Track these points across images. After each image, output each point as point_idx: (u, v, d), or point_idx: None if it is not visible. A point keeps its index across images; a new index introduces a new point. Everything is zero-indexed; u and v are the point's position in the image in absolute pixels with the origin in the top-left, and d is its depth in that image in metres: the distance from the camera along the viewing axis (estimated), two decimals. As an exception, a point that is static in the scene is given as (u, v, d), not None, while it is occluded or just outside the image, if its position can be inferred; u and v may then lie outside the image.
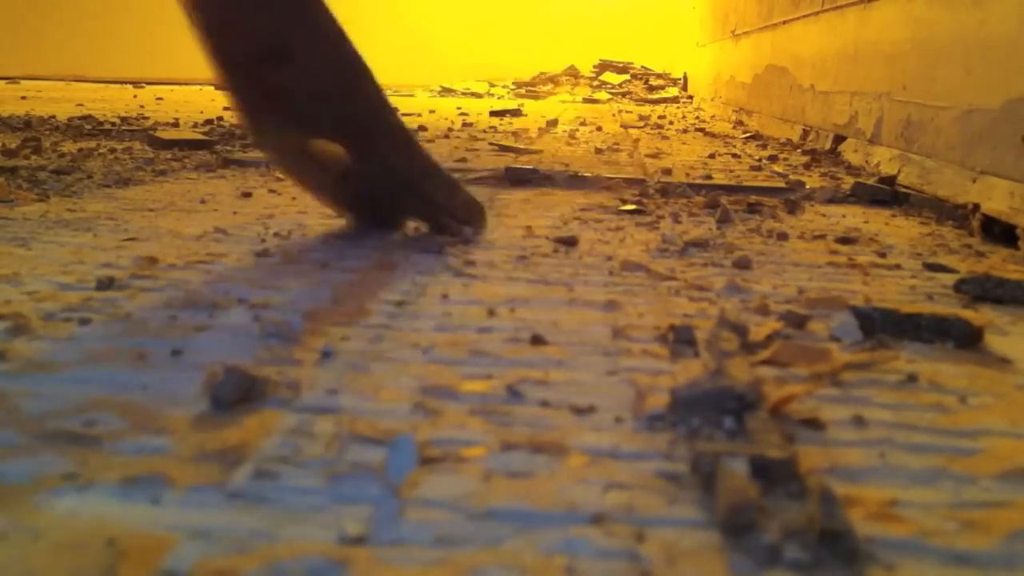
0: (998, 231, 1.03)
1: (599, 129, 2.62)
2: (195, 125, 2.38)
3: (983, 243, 1.02)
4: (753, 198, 1.28)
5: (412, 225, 0.98)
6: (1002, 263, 0.91)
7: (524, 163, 1.61)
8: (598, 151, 1.92)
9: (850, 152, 1.75)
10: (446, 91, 5.19)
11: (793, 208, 1.22)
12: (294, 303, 0.70)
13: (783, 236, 1.01)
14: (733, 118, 3.08)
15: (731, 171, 1.63)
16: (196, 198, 1.20)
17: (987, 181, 1.10)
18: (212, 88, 5.08)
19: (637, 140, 2.28)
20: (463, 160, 1.69)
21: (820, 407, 0.51)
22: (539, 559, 0.36)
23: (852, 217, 1.18)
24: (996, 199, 1.06)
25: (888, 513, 0.40)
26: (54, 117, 2.50)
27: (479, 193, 1.31)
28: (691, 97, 4.66)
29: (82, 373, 0.54)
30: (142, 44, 5.82)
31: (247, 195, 1.24)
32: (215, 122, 2.47)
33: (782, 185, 1.43)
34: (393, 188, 0.93)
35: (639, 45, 5.78)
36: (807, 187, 1.41)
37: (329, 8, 0.89)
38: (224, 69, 0.89)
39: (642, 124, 2.83)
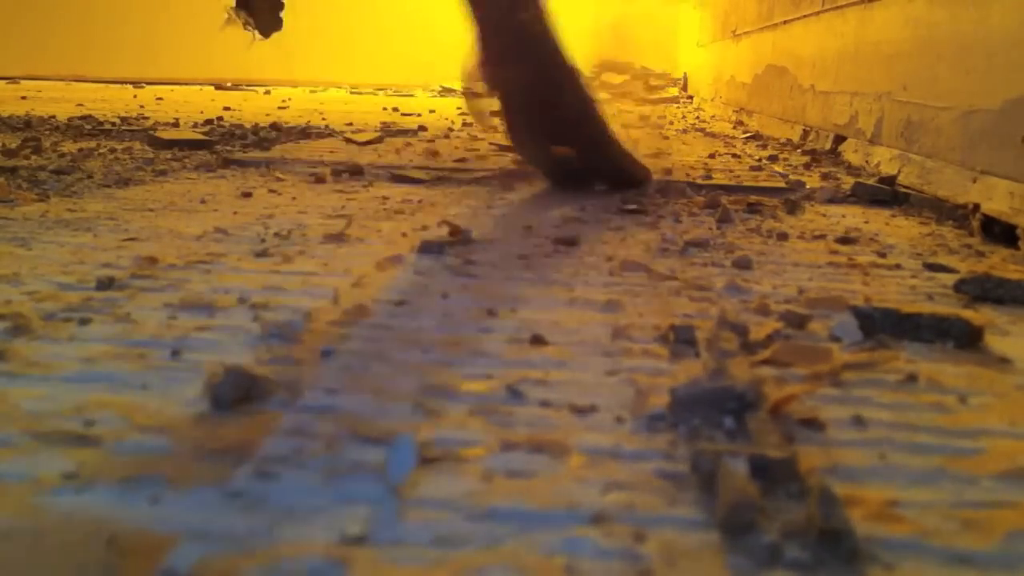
0: (998, 231, 1.03)
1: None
2: (195, 125, 2.38)
3: (983, 243, 1.02)
4: (753, 198, 1.28)
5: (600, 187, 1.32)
6: (1002, 263, 0.91)
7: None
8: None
9: (850, 152, 1.75)
10: (446, 91, 5.19)
11: (793, 208, 1.22)
12: (294, 303, 0.70)
13: (783, 236, 1.01)
14: (733, 118, 3.08)
15: (731, 171, 1.63)
16: (196, 198, 1.20)
17: (987, 181, 1.10)
18: (212, 88, 5.09)
19: (637, 140, 2.28)
20: (463, 160, 1.69)
21: (820, 407, 0.51)
22: (539, 559, 0.36)
23: (852, 217, 1.18)
24: (996, 199, 1.06)
25: (888, 513, 0.40)
26: (54, 117, 2.50)
27: (480, 193, 1.31)
28: (691, 97, 4.66)
29: (82, 373, 0.54)
30: (142, 44, 5.82)
31: (247, 195, 1.24)
32: (215, 122, 2.47)
33: (782, 185, 1.43)
34: (602, 172, 1.36)
35: (639, 45, 5.78)
36: (807, 187, 1.41)
37: (578, 69, 1.32)
38: (509, 111, 1.32)
39: (642, 124, 2.83)
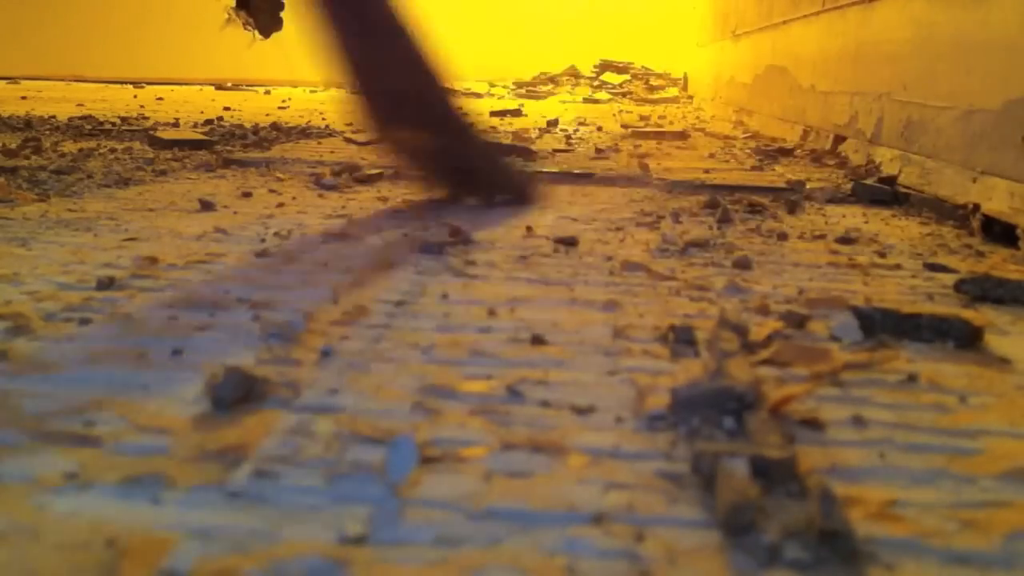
0: (998, 231, 1.03)
1: (599, 129, 2.62)
2: (195, 125, 2.38)
3: (983, 243, 1.02)
4: (753, 198, 1.28)
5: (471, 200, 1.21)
6: (1002, 263, 0.91)
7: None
8: (598, 151, 1.92)
9: (850, 152, 1.75)
10: (446, 91, 5.18)
11: (793, 208, 1.22)
12: (294, 303, 0.70)
13: (783, 236, 1.01)
14: (733, 118, 3.08)
15: (731, 171, 1.63)
16: (196, 198, 1.20)
17: (987, 181, 1.10)
18: (212, 88, 5.09)
19: (637, 140, 2.28)
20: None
21: (820, 407, 0.51)
22: (539, 559, 0.36)
23: (852, 217, 1.18)
24: (996, 199, 1.06)
25: (888, 513, 0.40)
26: (54, 117, 2.50)
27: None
28: (691, 97, 4.66)
29: (82, 373, 0.54)
30: (142, 44, 5.82)
31: (247, 195, 1.24)
32: (215, 122, 2.47)
33: (782, 185, 1.43)
34: (464, 163, 1.28)
35: (639, 45, 5.78)
36: (807, 187, 1.41)
37: (440, 65, 1.28)
38: (368, 103, 1.28)
39: (642, 124, 2.83)
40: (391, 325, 0.65)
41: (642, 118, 3.19)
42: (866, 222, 1.15)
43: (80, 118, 2.49)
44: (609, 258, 0.89)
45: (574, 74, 5.64)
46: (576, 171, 1.55)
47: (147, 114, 2.78)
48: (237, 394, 0.50)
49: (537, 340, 0.62)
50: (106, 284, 0.73)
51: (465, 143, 1.29)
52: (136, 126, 2.32)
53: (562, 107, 3.99)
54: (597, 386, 0.54)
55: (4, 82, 4.91)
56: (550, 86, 5.47)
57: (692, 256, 0.91)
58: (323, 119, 2.77)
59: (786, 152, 1.96)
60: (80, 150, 1.72)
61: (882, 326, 0.65)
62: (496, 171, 1.32)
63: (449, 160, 1.26)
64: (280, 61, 4.67)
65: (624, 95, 4.98)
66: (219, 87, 5.25)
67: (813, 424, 0.49)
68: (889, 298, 0.75)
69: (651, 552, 0.36)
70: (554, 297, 0.74)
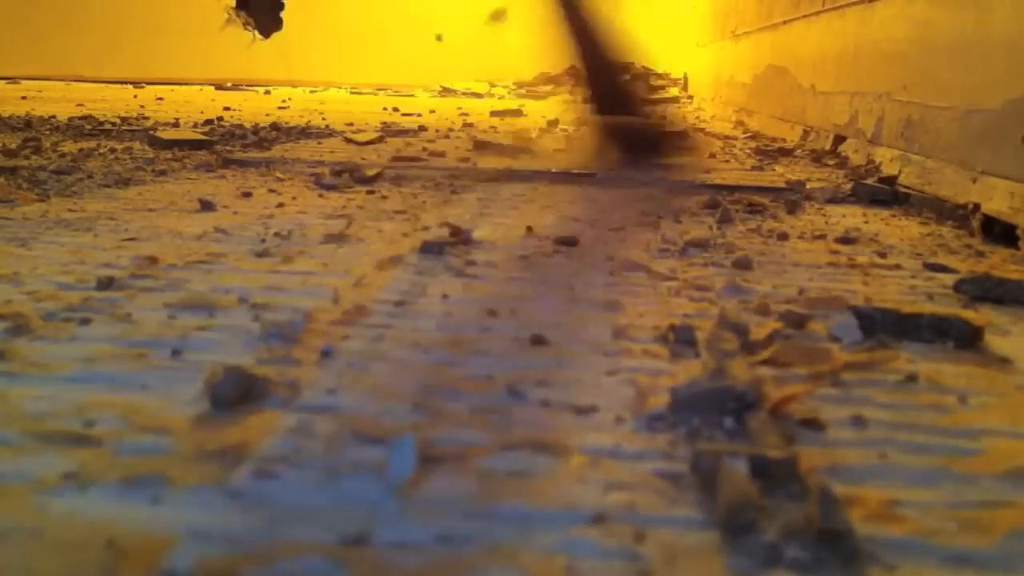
0: (998, 231, 1.03)
1: (599, 129, 2.61)
2: (195, 125, 2.38)
3: (983, 243, 1.02)
4: (753, 198, 1.28)
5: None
6: (1002, 263, 0.91)
7: (525, 163, 1.61)
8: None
9: (850, 152, 1.75)
10: (446, 91, 5.19)
11: (793, 208, 1.22)
12: (294, 303, 0.70)
13: (783, 236, 1.01)
14: (733, 118, 3.08)
15: (731, 171, 1.63)
16: (196, 198, 1.20)
17: (987, 181, 1.10)
18: (212, 88, 5.08)
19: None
20: (465, 159, 1.69)
21: (820, 407, 0.51)
22: (539, 559, 0.36)
23: (852, 217, 1.18)
24: (996, 199, 1.06)
25: (888, 513, 0.40)
26: (54, 117, 2.50)
27: (481, 190, 1.31)
28: (691, 97, 4.66)
29: (82, 373, 0.54)
30: (142, 44, 5.82)
31: (247, 195, 1.24)
32: (215, 122, 2.47)
33: (782, 185, 1.43)
34: (650, 139, 1.66)
35: (639, 45, 5.77)
36: (807, 187, 1.41)
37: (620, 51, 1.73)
38: (590, 82, 1.74)
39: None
40: (391, 325, 0.65)
41: (642, 118, 3.18)
42: (866, 222, 1.15)
43: (80, 118, 2.49)
44: (609, 258, 0.89)
45: (574, 74, 5.63)
46: (576, 171, 1.55)
47: (147, 114, 2.78)
48: (237, 394, 0.50)
49: (537, 340, 0.62)
50: (106, 284, 0.73)
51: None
52: (136, 126, 2.32)
53: (562, 107, 3.99)
54: (597, 386, 0.54)
55: (4, 82, 4.91)
56: (551, 86, 5.46)
57: (692, 256, 0.91)
58: (323, 119, 2.77)
59: (786, 152, 1.96)
60: (80, 150, 1.72)
61: (882, 326, 0.65)
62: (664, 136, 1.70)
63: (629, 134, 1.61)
64: (280, 61, 4.67)
65: (624, 95, 4.97)
66: (219, 87, 5.25)
67: (813, 424, 0.49)
68: (889, 298, 0.75)
69: (651, 552, 0.36)
70: (554, 297, 0.74)
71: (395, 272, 0.81)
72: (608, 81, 1.74)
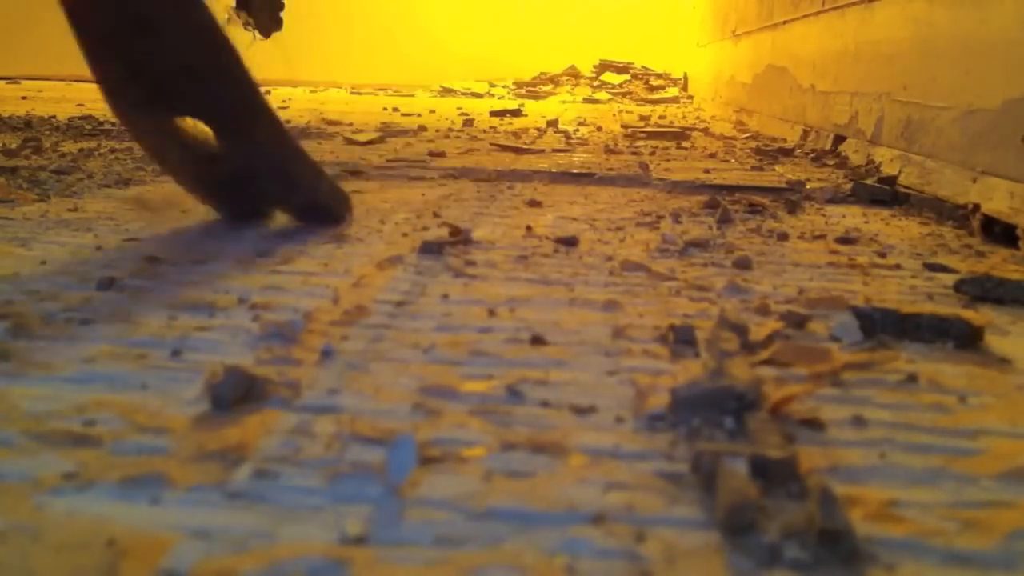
0: (998, 231, 1.03)
1: (599, 129, 2.62)
2: (195, 125, 2.38)
3: (983, 243, 1.02)
4: (753, 198, 1.28)
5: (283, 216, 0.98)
6: (1002, 263, 0.91)
7: (524, 163, 1.61)
8: (597, 150, 1.92)
9: (850, 152, 1.75)
10: (446, 91, 5.19)
11: (793, 208, 1.22)
12: (294, 303, 0.70)
13: (783, 236, 1.01)
14: (733, 118, 3.08)
15: (731, 171, 1.63)
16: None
17: (987, 181, 1.10)
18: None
19: (637, 140, 2.28)
20: (465, 159, 1.69)
21: (820, 407, 0.51)
22: (539, 559, 0.36)
23: (852, 217, 1.18)
24: (996, 199, 1.06)
25: (888, 513, 0.40)
26: (54, 117, 2.50)
27: (483, 189, 1.31)
28: (691, 97, 4.66)
29: (82, 373, 0.54)
30: (142, 44, 5.81)
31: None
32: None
33: (782, 185, 1.43)
34: (260, 171, 0.91)
35: (639, 45, 5.78)
36: (807, 187, 1.41)
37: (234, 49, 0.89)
38: (86, 42, 0.87)
39: (643, 124, 2.83)
40: (391, 325, 0.65)
41: (642, 118, 3.19)
42: (866, 222, 1.15)
43: (80, 118, 2.49)
44: (609, 258, 0.89)
45: (574, 74, 5.64)
46: (576, 171, 1.55)
47: (147, 114, 2.77)
48: (237, 394, 0.50)
49: (537, 340, 0.62)
50: (106, 284, 0.73)
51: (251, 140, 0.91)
52: (136, 126, 2.32)
53: (562, 107, 3.99)
54: (597, 386, 0.54)
55: (4, 82, 4.91)
56: (550, 86, 5.47)
57: (692, 256, 0.91)
58: (323, 119, 2.77)
59: (786, 152, 1.96)
60: (80, 150, 1.72)
61: (882, 326, 0.65)
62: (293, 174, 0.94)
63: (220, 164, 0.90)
64: (280, 61, 4.67)
65: (624, 95, 4.98)
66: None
67: (813, 424, 0.49)
68: (889, 298, 0.75)
69: (651, 552, 0.36)
70: (554, 297, 0.74)
71: (395, 272, 0.81)
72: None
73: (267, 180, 0.92)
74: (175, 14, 0.86)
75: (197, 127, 0.87)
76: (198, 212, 1.04)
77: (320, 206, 0.95)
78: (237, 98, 0.89)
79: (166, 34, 0.85)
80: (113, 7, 0.85)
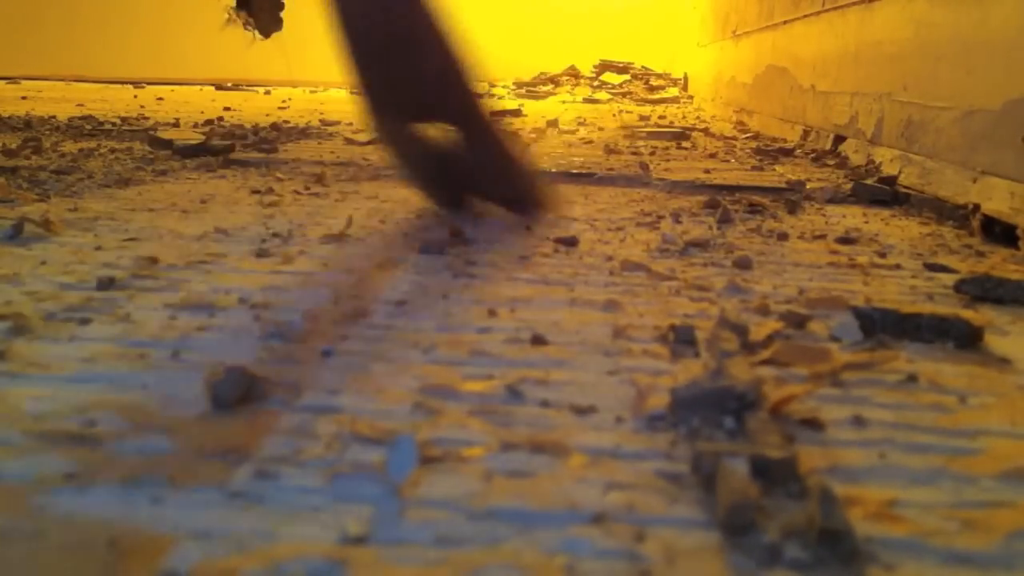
0: (998, 231, 1.03)
1: (600, 129, 2.62)
2: (195, 125, 2.39)
3: (983, 243, 1.02)
4: (753, 198, 1.28)
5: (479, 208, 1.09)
6: (1002, 263, 0.91)
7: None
8: (606, 149, 1.92)
9: (851, 152, 1.75)
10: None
11: (793, 208, 1.22)
12: (294, 303, 0.70)
13: (783, 236, 1.01)
14: (734, 118, 3.08)
15: (731, 171, 1.63)
16: (196, 198, 1.20)
17: (987, 181, 1.10)
18: (212, 88, 5.09)
19: (637, 140, 2.28)
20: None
21: (820, 407, 0.51)
22: (539, 559, 0.36)
23: (852, 217, 1.18)
24: (996, 199, 1.06)
25: (888, 513, 0.40)
26: (54, 117, 2.50)
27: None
28: (691, 97, 4.66)
29: (82, 373, 0.54)
30: (143, 44, 5.82)
31: (248, 195, 1.24)
32: (216, 122, 2.47)
33: (782, 185, 1.43)
34: (486, 170, 1.05)
35: (639, 45, 5.78)
36: (807, 187, 1.41)
37: (448, 11, 1.02)
38: (356, 59, 1.02)
39: (643, 124, 2.83)
40: (391, 325, 0.65)
41: (642, 118, 3.19)
42: (866, 222, 1.15)
43: (80, 118, 2.49)
44: (609, 258, 0.89)
45: (574, 74, 5.64)
46: (575, 171, 1.55)
47: (147, 114, 2.78)
48: (237, 394, 0.50)
49: (537, 340, 0.62)
50: (106, 284, 0.73)
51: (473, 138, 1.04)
52: (136, 126, 2.32)
53: (562, 107, 3.99)
54: (597, 386, 0.54)
55: (4, 82, 4.91)
56: (550, 86, 5.47)
57: (692, 256, 0.91)
58: (323, 119, 2.77)
59: (786, 152, 1.96)
60: (80, 150, 1.72)
61: (882, 326, 0.65)
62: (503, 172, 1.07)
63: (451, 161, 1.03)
64: (280, 61, 4.67)
65: (624, 95, 4.98)
66: (219, 87, 5.25)
67: (813, 424, 0.49)
68: (889, 298, 0.75)
69: (651, 552, 0.36)
70: (554, 297, 0.74)
71: (395, 272, 0.81)
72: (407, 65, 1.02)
73: (489, 178, 1.06)
74: (433, 37, 1.01)
75: (439, 132, 1.01)
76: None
77: (527, 200, 1.09)
78: (473, 108, 1.04)
79: (425, 54, 1.00)
80: (384, 30, 1.01)
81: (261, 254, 0.86)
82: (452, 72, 1.02)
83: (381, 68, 1.02)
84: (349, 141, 2.05)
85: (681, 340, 0.62)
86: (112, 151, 1.74)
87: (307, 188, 1.31)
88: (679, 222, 1.10)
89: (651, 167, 1.63)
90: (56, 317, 0.65)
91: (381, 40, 1.01)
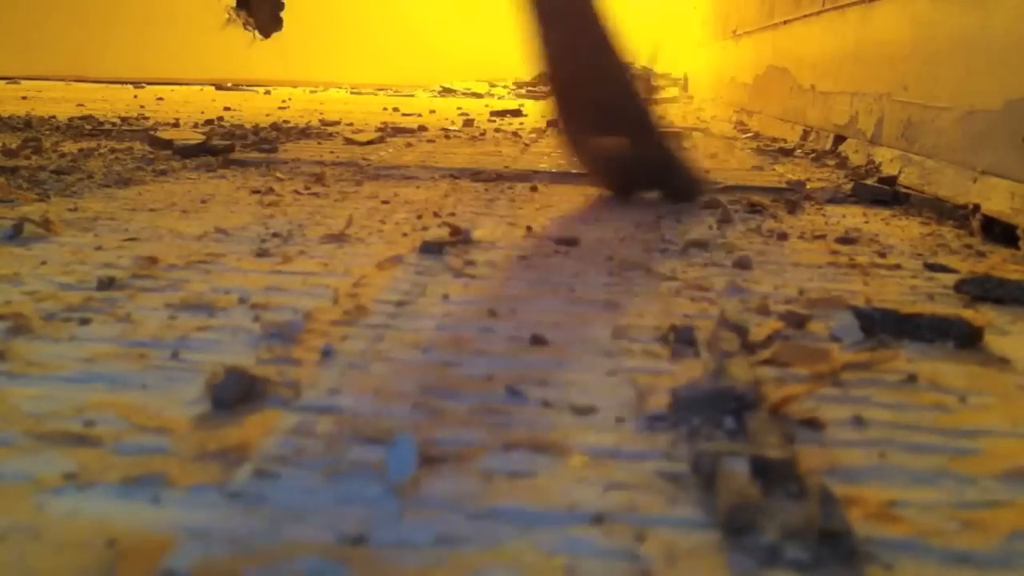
0: (998, 231, 1.03)
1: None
2: (195, 125, 2.39)
3: (983, 243, 1.02)
4: (753, 198, 1.28)
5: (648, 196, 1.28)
6: (1002, 263, 0.91)
7: (525, 162, 1.61)
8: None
9: (851, 152, 1.75)
10: (446, 91, 5.19)
11: (793, 208, 1.22)
12: (294, 303, 0.70)
13: (783, 236, 1.01)
14: (734, 118, 3.08)
15: (731, 171, 1.63)
16: (196, 198, 1.20)
17: (988, 181, 1.10)
18: (212, 88, 5.09)
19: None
20: (465, 159, 1.69)
21: (820, 407, 0.51)
22: (539, 559, 0.36)
23: (852, 217, 1.18)
24: (996, 199, 1.06)
25: (888, 513, 0.40)
26: (54, 117, 2.50)
27: (481, 190, 1.31)
28: (692, 97, 4.66)
29: (82, 373, 0.54)
30: (143, 44, 5.82)
31: (248, 195, 1.24)
32: (216, 122, 2.47)
33: (782, 185, 1.43)
34: (653, 166, 1.29)
35: (639, 45, 5.77)
36: (807, 187, 1.41)
37: (622, 50, 1.27)
38: (559, 86, 1.33)
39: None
40: (391, 325, 0.65)
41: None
42: (866, 222, 1.15)
43: (80, 118, 2.49)
44: (609, 258, 0.89)
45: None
46: (576, 170, 1.55)
47: (147, 114, 2.78)
48: (237, 394, 0.50)
49: (537, 340, 0.62)
50: (106, 284, 0.73)
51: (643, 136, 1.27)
52: (136, 126, 2.32)
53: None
54: (597, 386, 0.54)
55: (4, 82, 4.91)
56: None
57: (692, 256, 0.91)
58: (323, 119, 2.77)
59: (786, 152, 1.96)
60: (80, 150, 1.72)
61: (882, 326, 0.65)
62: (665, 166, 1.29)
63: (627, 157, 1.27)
64: (280, 61, 4.67)
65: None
66: (219, 87, 5.25)
67: (813, 424, 0.49)
68: (889, 298, 0.75)
69: (651, 552, 0.36)
70: (554, 297, 0.74)
71: (395, 272, 0.81)
72: (593, 87, 1.29)
73: (656, 172, 1.29)
74: (616, 66, 1.27)
75: (614, 141, 1.27)
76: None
77: (687, 189, 1.29)
78: (643, 118, 1.28)
79: (609, 80, 1.27)
80: (576, 63, 1.29)
81: (261, 254, 0.86)
82: (628, 84, 1.28)
83: (579, 94, 1.30)
84: (349, 141, 2.05)
85: (681, 340, 0.62)
86: (112, 151, 1.74)
87: (307, 188, 1.31)
88: (679, 222, 1.10)
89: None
90: (56, 317, 0.65)
91: (580, 73, 1.29)
